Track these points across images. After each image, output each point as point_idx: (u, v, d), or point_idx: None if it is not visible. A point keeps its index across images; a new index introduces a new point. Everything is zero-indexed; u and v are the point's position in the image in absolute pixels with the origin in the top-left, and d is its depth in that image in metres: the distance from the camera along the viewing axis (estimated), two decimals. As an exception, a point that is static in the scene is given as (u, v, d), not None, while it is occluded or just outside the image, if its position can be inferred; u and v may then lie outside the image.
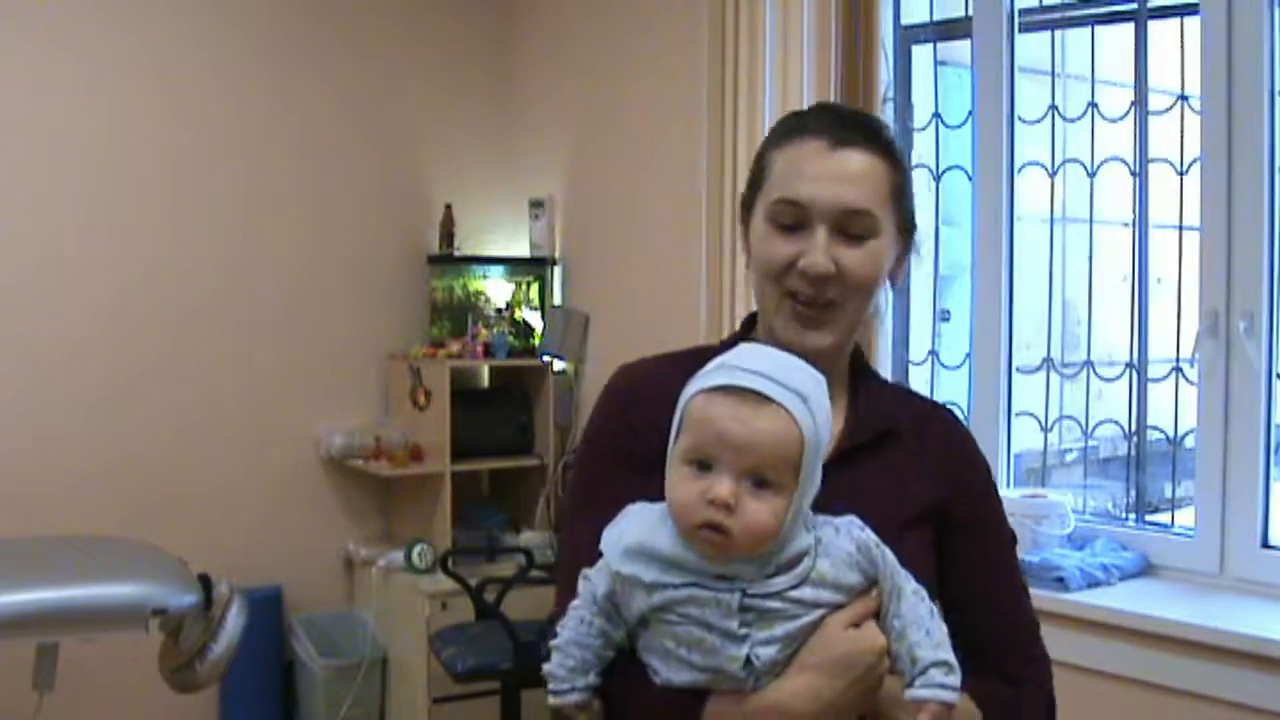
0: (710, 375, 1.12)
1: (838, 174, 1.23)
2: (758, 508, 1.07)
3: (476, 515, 3.90)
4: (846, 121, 1.28)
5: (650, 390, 1.27)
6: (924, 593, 1.15)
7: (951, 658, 1.12)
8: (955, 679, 1.11)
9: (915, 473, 1.28)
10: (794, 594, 1.09)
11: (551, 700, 1.15)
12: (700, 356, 1.24)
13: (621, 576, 1.11)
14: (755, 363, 1.12)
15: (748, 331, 1.34)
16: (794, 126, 1.29)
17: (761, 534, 1.08)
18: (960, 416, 1.43)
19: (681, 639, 1.10)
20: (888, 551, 1.14)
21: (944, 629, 1.14)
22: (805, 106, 1.39)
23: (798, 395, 1.10)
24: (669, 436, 1.16)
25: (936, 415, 1.37)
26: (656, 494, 1.15)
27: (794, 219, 1.24)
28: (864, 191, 1.24)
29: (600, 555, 1.13)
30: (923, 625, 1.13)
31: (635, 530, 1.13)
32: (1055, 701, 1.34)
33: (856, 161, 1.24)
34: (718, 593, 1.08)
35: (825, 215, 1.23)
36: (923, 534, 1.25)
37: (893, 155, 1.28)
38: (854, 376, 1.34)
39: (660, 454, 1.17)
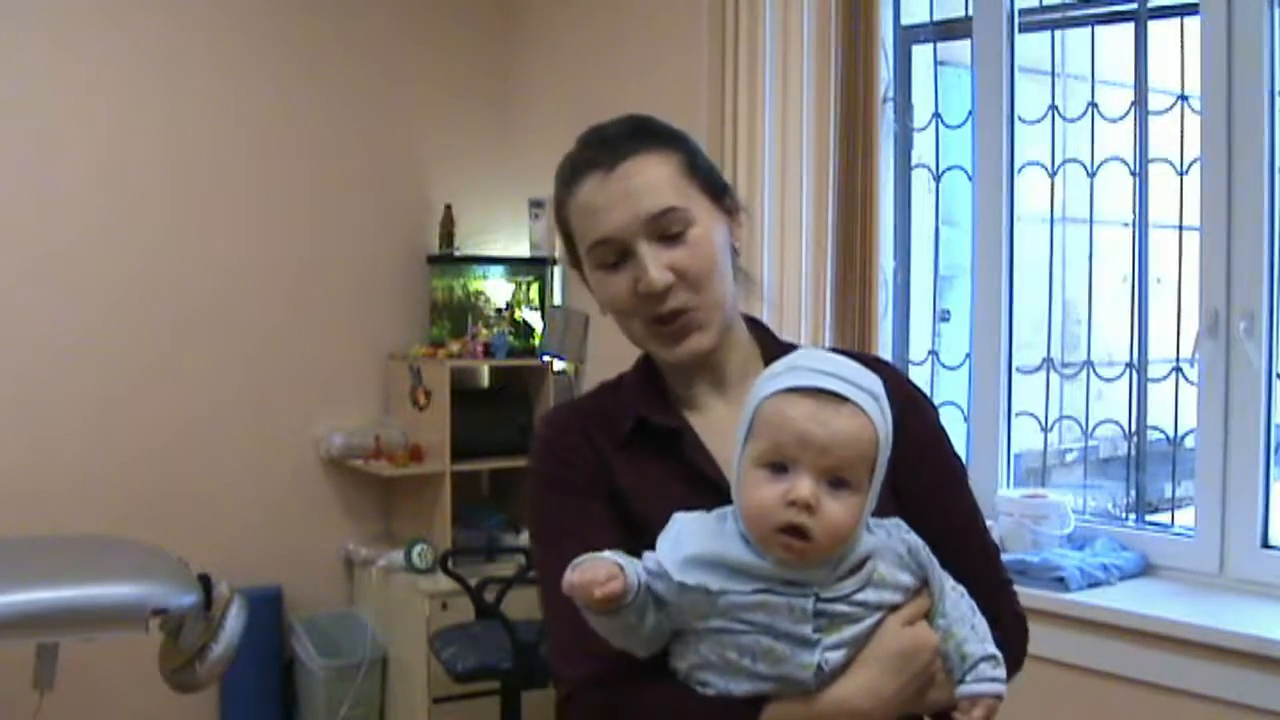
0: (781, 377, 1.12)
1: (624, 192, 1.23)
2: (837, 508, 1.07)
3: (476, 515, 3.90)
4: (610, 137, 1.27)
5: (574, 429, 1.30)
6: (962, 589, 1.17)
7: (997, 651, 1.15)
8: (1003, 671, 1.14)
9: None
10: (860, 596, 1.10)
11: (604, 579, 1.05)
12: (611, 390, 1.32)
13: (686, 587, 1.08)
14: (825, 364, 1.12)
15: (650, 365, 1.33)
16: (569, 173, 1.28)
17: (842, 534, 1.08)
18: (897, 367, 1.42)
19: (746, 648, 1.08)
20: (930, 553, 1.16)
21: (985, 623, 1.17)
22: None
23: (870, 395, 1.11)
24: (596, 467, 1.24)
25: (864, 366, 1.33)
26: (606, 515, 1.21)
27: (615, 254, 1.24)
28: (656, 192, 1.23)
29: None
30: (967, 622, 1.15)
31: (693, 538, 1.11)
32: (1025, 617, 1.33)
33: (635, 169, 1.24)
34: (790, 598, 1.07)
35: (637, 233, 1.23)
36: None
37: (666, 140, 1.28)
38: (765, 352, 1.33)
39: (593, 482, 1.24)
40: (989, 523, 2.76)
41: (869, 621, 1.10)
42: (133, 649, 2.73)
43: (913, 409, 1.28)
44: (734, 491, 1.12)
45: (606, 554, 1.08)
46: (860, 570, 1.10)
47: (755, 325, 1.37)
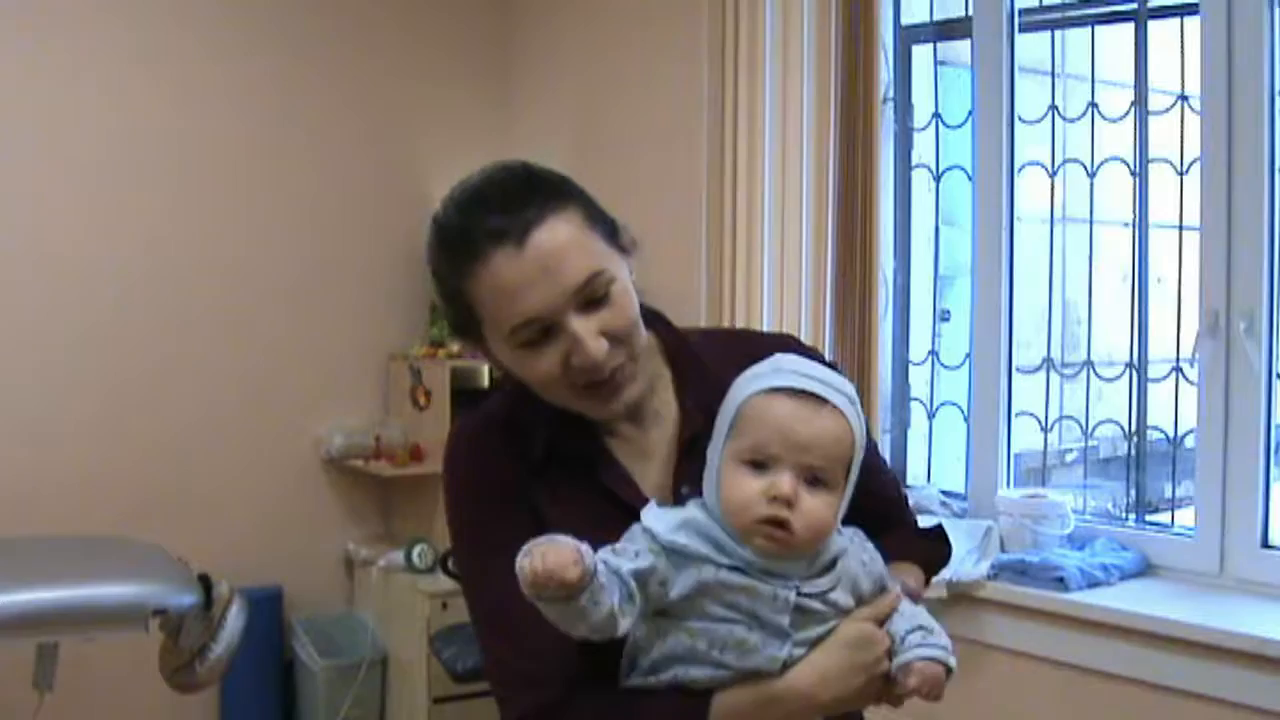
0: (765, 378, 1.15)
1: (543, 266, 1.14)
2: (816, 504, 1.11)
3: (476, 515, 3.90)
4: (508, 201, 1.17)
5: (490, 441, 1.26)
6: (898, 584, 1.22)
7: (928, 622, 1.18)
8: (936, 638, 1.17)
9: None
10: (833, 596, 1.14)
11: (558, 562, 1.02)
12: (520, 399, 1.23)
13: (675, 546, 1.10)
14: (804, 367, 1.16)
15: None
16: (464, 247, 1.17)
17: (821, 529, 1.12)
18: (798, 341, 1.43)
19: (719, 640, 1.10)
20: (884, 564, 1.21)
21: (918, 608, 1.21)
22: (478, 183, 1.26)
23: (848, 398, 1.15)
24: (514, 479, 1.21)
25: (774, 347, 1.27)
26: (532, 527, 1.13)
27: (539, 332, 1.16)
28: (577, 258, 1.15)
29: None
30: (902, 612, 1.19)
31: (681, 512, 1.14)
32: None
33: (546, 237, 1.14)
34: (775, 587, 1.10)
35: (564, 307, 1.15)
36: None
37: (559, 193, 1.19)
38: (671, 359, 1.30)
39: (514, 494, 1.20)
40: (989, 523, 2.77)
41: (833, 623, 1.14)
42: (133, 649, 2.73)
43: None
44: (708, 485, 1.15)
45: (561, 537, 1.05)
46: (834, 569, 1.14)
47: (667, 338, 1.31)
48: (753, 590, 1.10)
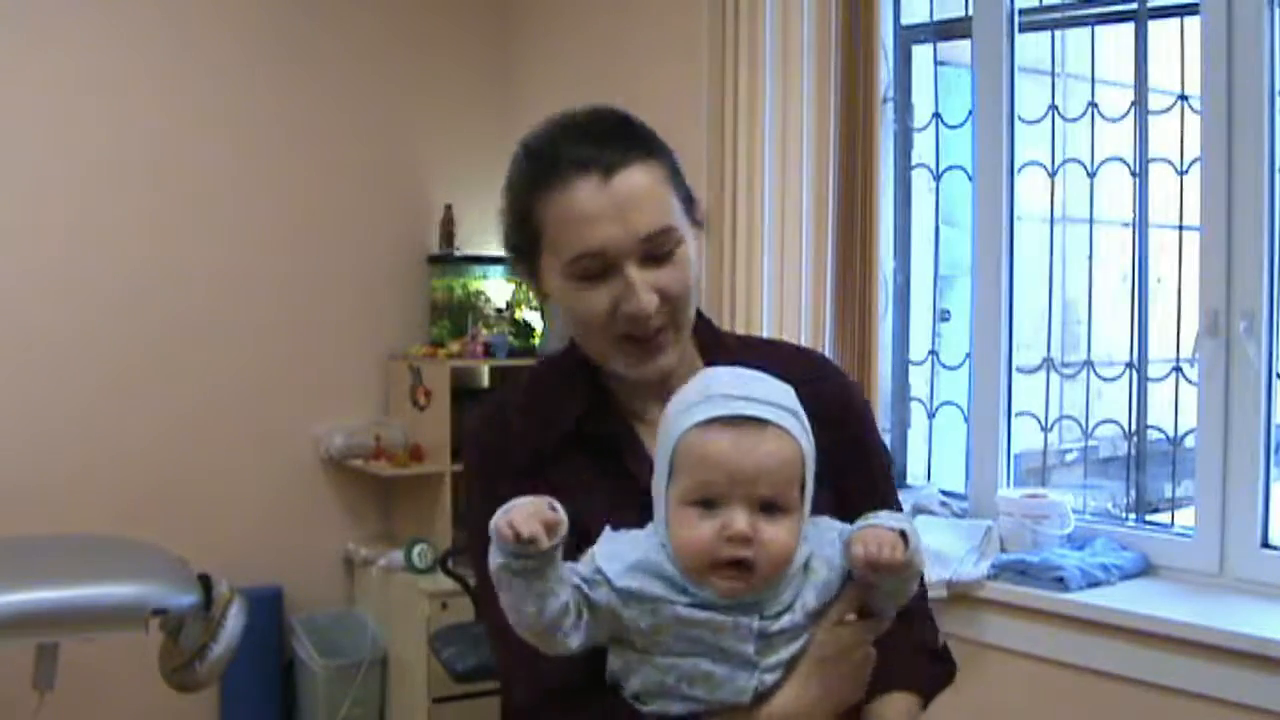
0: (697, 409, 1.08)
1: (622, 206, 1.14)
2: (775, 532, 1.05)
3: (476, 515, 3.90)
4: (603, 137, 1.19)
5: (507, 427, 1.26)
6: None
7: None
8: (884, 518, 1.11)
9: None
10: (798, 603, 1.09)
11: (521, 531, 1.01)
12: (541, 385, 1.24)
13: (630, 592, 1.06)
14: (739, 387, 1.08)
15: (583, 363, 1.25)
16: (549, 168, 1.18)
17: (784, 558, 1.06)
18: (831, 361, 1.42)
19: (684, 674, 1.07)
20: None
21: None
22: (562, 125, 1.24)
23: (789, 412, 1.09)
24: (531, 466, 1.18)
25: (798, 363, 1.29)
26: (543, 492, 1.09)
27: (599, 268, 1.16)
28: (655, 208, 1.16)
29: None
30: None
31: (633, 548, 1.09)
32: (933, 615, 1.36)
33: (632, 180, 1.16)
34: (735, 616, 1.06)
35: (630, 252, 1.15)
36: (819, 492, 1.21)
37: (652, 147, 1.21)
38: (705, 353, 1.29)
39: (531, 459, 1.19)
40: (989, 523, 2.77)
41: (804, 640, 1.09)
42: (133, 649, 2.73)
43: (843, 403, 1.28)
44: (658, 524, 1.10)
45: (531, 497, 1.05)
46: (795, 579, 1.09)
47: (703, 331, 1.31)
48: (714, 624, 1.05)
